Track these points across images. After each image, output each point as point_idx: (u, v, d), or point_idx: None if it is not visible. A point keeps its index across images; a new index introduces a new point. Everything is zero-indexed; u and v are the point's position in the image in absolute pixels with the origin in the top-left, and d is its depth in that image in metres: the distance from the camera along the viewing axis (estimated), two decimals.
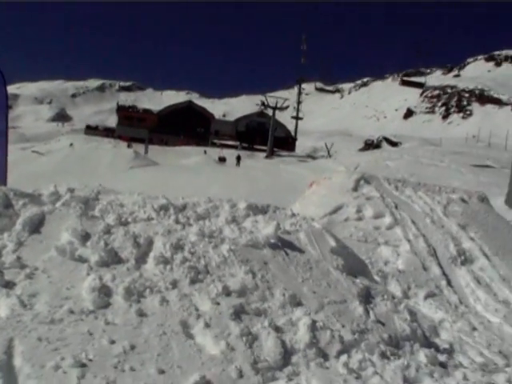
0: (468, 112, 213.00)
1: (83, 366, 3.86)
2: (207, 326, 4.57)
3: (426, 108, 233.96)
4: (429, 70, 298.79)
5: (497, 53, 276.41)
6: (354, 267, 6.57)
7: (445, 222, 10.69)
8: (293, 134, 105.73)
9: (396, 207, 11.00)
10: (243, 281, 5.34)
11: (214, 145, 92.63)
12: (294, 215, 7.60)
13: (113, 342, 4.17)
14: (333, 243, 6.62)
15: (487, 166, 37.00)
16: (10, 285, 4.81)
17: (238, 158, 56.51)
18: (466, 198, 11.88)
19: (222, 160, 62.89)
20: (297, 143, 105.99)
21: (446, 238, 10.13)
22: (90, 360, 3.94)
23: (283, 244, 6.30)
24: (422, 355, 5.08)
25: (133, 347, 4.16)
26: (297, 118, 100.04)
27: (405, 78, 64.53)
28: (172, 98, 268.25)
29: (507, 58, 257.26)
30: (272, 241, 6.20)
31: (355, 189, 11.77)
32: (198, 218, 6.80)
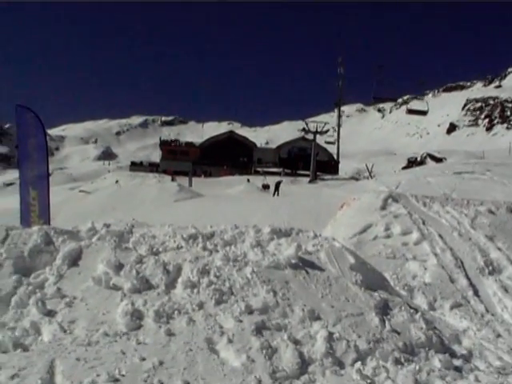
0: None
1: (116, 380, 4.34)
2: (230, 341, 5.01)
3: (469, 121, 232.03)
4: (469, 83, 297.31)
5: None
6: (373, 282, 6.92)
7: (472, 235, 10.92)
8: (335, 157, 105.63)
9: (423, 223, 11.28)
10: (265, 299, 5.77)
11: (257, 173, 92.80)
12: (316, 236, 7.98)
13: (143, 359, 4.64)
14: (352, 260, 6.99)
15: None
16: (51, 313, 5.38)
17: (277, 186, 47.97)
18: (494, 209, 12.08)
19: (266, 187, 62.92)
20: (340, 166, 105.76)
21: (473, 249, 10.36)
22: (123, 375, 4.41)
23: (304, 264, 6.71)
24: (437, 360, 5.38)
25: (161, 363, 4.61)
26: (338, 141, 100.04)
27: (409, 107, 64.64)
28: (214, 129, 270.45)
29: None
30: (293, 261, 6.61)
31: (383, 207, 12.07)
32: (225, 245, 7.25)
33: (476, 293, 9.12)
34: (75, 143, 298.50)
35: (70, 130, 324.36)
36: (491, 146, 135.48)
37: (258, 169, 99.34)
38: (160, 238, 7.32)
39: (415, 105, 67.17)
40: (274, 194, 40.22)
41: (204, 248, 6.99)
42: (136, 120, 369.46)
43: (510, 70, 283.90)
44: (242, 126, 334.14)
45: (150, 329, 5.17)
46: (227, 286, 6.00)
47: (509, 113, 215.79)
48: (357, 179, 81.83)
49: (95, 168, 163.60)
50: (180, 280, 6.06)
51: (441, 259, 9.93)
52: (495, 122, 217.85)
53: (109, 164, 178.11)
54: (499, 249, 10.42)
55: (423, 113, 61.42)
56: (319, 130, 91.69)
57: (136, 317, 5.30)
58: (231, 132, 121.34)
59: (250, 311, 5.55)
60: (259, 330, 5.26)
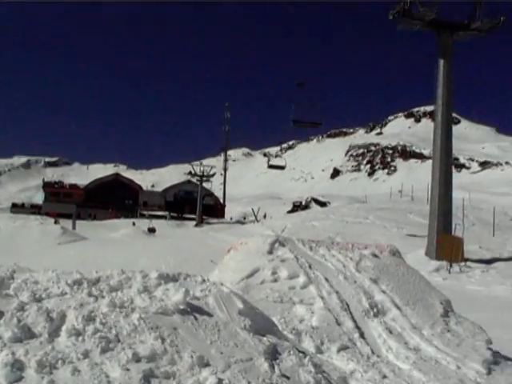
0: (392, 168, 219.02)
1: None
2: None
3: (352, 166, 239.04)
4: (352, 130, 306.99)
5: (415, 109, 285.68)
6: (262, 326, 6.91)
7: (357, 278, 11.13)
8: (221, 200, 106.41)
9: (310, 267, 11.39)
10: (153, 346, 5.64)
11: (142, 216, 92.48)
12: (204, 281, 7.93)
13: None
14: (240, 305, 6.96)
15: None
16: None
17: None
18: (378, 252, 12.37)
19: (152, 231, 62.76)
20: (226, 209, 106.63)
21: (358, 292, 10.54)
22: None
23: (192, 309, 6.62)
24: None
25: None
26: (224, 185, 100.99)
27: (270, 163, 67.71)
28: (99, 171, 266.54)
29: (425, 114, 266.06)
30: (181, 307, 6.52)
31: (270, 252, 12.10)
32: (111, 290, 7.07)
33: (362, 335, 9.25)
34: None
35: None
36: (373, 191, 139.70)
37: (144, 212, 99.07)
38: (43, 284, 7.06)
39: (275, 161, 71.14)
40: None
41: (89, 294, 6.79)
42: (18, 160, 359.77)
43: (390, 118, 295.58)
44: (127, 169, 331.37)
45: (31, 380, 4.92)
46: (114, 333, 5.83)
47: (389, 159, 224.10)
48: (242, 223, 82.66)
49: None
50: (64, 328, 5.83)
51: (327, 302, 10.03)
52: (376, 167, 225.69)
53: None
54: (383, 291, 10.66)
55: (282, 167, 64.10)
56: (205, 173, 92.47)
57: (17, 368, 5.02)
58: (117, 174, 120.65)
59: (137, 359, 5.40)
60: (147, 378, 5.11)
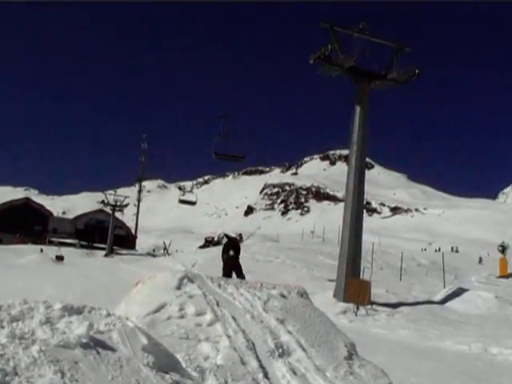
0: (306, 208, 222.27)
1: None
2: None
3: (266, 205, 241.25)
4: (268, 168, 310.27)
5: (331, 152, 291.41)
6: (166, 363, 6.83)
7: (264, 317, 11.15)
8: (133, 231, 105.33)
9: (218, 304, 11.36)
10: (52, 381, 5.47)
11: (51, 243, 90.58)
12: (109, 315, 7.80)
13: None
14: (144, 341, 6.87)
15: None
16: None
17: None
18: (286, 293, 12.46)
19: (60, 259, 61.43)
20: (138, 241, 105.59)
21: (264, 332, 10.55)
22: None
23: (95, 343, 6.49)
24: None
25: None
26: (137, 216, 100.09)
27: (181, 198, 68.68)
28: (9, 194, 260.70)
29: (341, 157, 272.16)
30: (84, 340, 6.38)
31: (179, 287, 12.05)
32: (12, 320, 6.87)
33: (266, 375, 9.24)
34: None
35: None
36: (285, 230, 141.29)
37: (53, 239, 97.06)
38: None
39: (186, 196, 72.15)
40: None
41: None
42: None
43: (305, 159, 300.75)
44: (39, 193, 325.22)
45: None
46: (11, 365, 5.64)
47: (303, 199, 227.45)
48: (153, 255, 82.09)
49: None
50: None
51: (233, 341, 10.00)
52: (290, 207, 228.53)
53: None
54: (289, 332, 10.70)
55: (192, 203, 65.01)
56: (119, 203, 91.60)
57: None
58: (27, 198, 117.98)
59: None
60: None
